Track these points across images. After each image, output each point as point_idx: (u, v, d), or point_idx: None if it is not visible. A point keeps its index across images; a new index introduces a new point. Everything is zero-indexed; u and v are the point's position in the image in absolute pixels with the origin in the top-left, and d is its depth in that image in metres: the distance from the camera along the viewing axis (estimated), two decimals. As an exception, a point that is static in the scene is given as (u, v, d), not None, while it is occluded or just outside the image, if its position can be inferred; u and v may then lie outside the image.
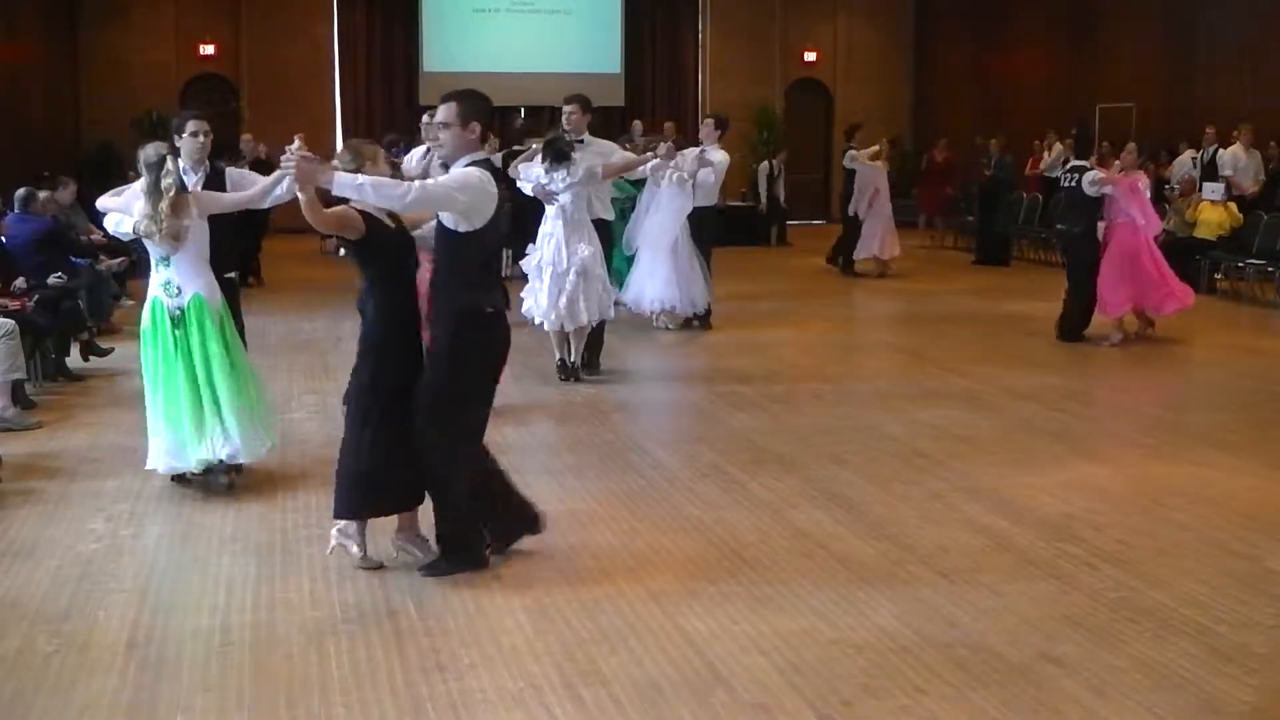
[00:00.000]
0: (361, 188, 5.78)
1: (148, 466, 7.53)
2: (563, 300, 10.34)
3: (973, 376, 11.04)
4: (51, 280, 11.22)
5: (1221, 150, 18.33)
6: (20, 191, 12.17)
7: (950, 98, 26.40)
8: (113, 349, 11.84)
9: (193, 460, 7.38)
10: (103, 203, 7.65)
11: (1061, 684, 4.99)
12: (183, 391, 7.36)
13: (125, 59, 23.23)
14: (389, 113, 25.43)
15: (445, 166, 6.73)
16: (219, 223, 7.62)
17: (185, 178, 7.55)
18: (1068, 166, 12.40)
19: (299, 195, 5.91)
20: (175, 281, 7.33)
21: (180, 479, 7.64)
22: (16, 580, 6.12)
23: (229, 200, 7.69)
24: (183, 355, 7.36)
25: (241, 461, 7.57)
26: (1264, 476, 7.94)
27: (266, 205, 7.76)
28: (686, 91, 27.17)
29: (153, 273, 7.42)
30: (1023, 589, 6.01)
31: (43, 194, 13.18)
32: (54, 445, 8.76)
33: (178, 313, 7.34)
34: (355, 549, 6.27)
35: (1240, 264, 16.02)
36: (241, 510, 7.24)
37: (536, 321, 10.62)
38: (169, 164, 7.18)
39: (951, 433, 9.05)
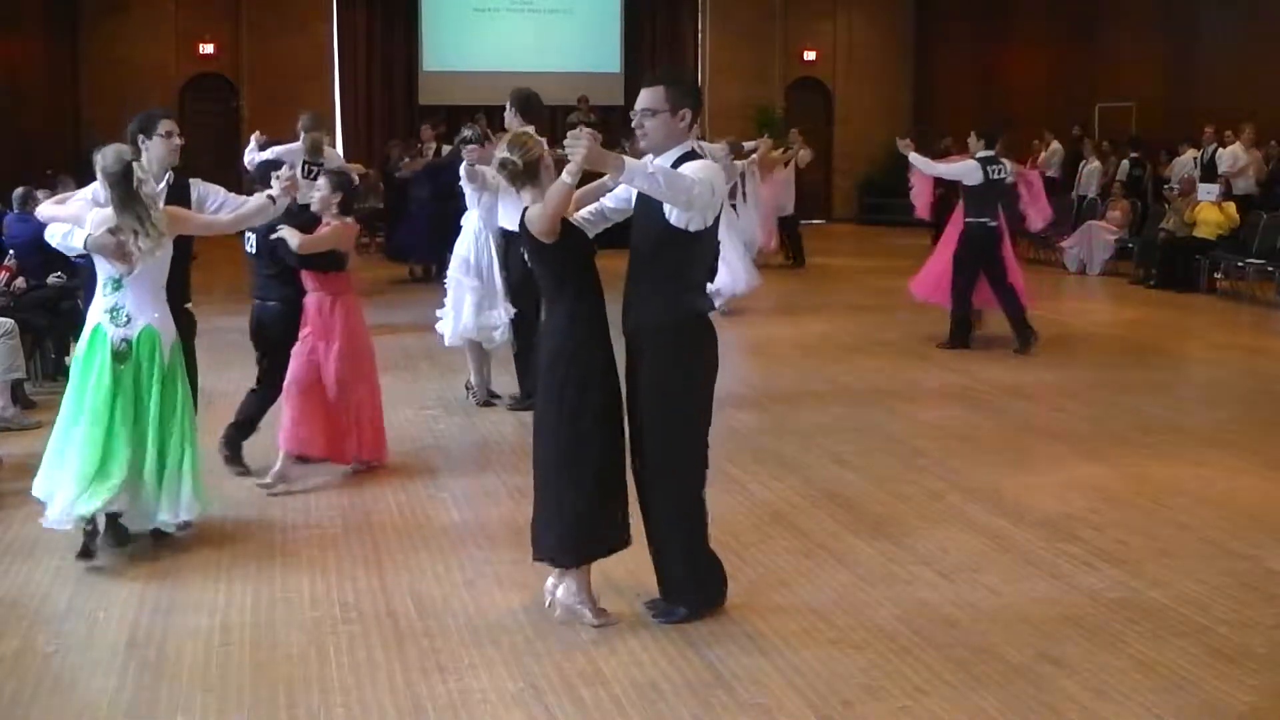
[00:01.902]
0: (654, 176, 5.13)
1: (46, 523, 6.30)
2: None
3: (973, 376, 11.04)
4: (51, 280, 11.21)
5: (1221, 149, 18.35)
6: (18, 191, 12.16)
7: (950, 97, 26.38)
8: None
9: (87, 500, 6.22)
10: (45, 211, 6.69)
11: (1061, 684, 4.99)
12: (114, 436, 6.30)
13: (125, 58, 23.20)
14: (389, 112, 25.48)
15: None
16: (182, 246, 6.74)
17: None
18: (990, 160, 12.51)
19: (565, 180, 5.18)
20: (125, 308, 6.34)
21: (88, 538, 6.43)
22: (16, 580, 6.13)
23: (203, 222, 6.82)
24: (122, 395, 6.33)
25: (179, 520, 6.48)
26: (1265, 476, 7.94)
27: (235, 230, 7.05)
28: (686, 91, 27.13)
29: (98, 295, 6.43)
30: (1023, 589, 6.02)
31: (42, 194, 13.17)
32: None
33: (123, 345, 6.33)
34: (589, 612, 5.55)
35: (1240, 264, 16.02)
36: (242, 510, 7.23)
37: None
38: (139, 170, 6.26)
39: (952, 432, 9.05)
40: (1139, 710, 4.78)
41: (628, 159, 5.14)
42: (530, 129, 9.13)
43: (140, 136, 6.90)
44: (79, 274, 12.23)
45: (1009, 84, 24.99)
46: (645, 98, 5.47)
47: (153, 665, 5.20)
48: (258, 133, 14.39)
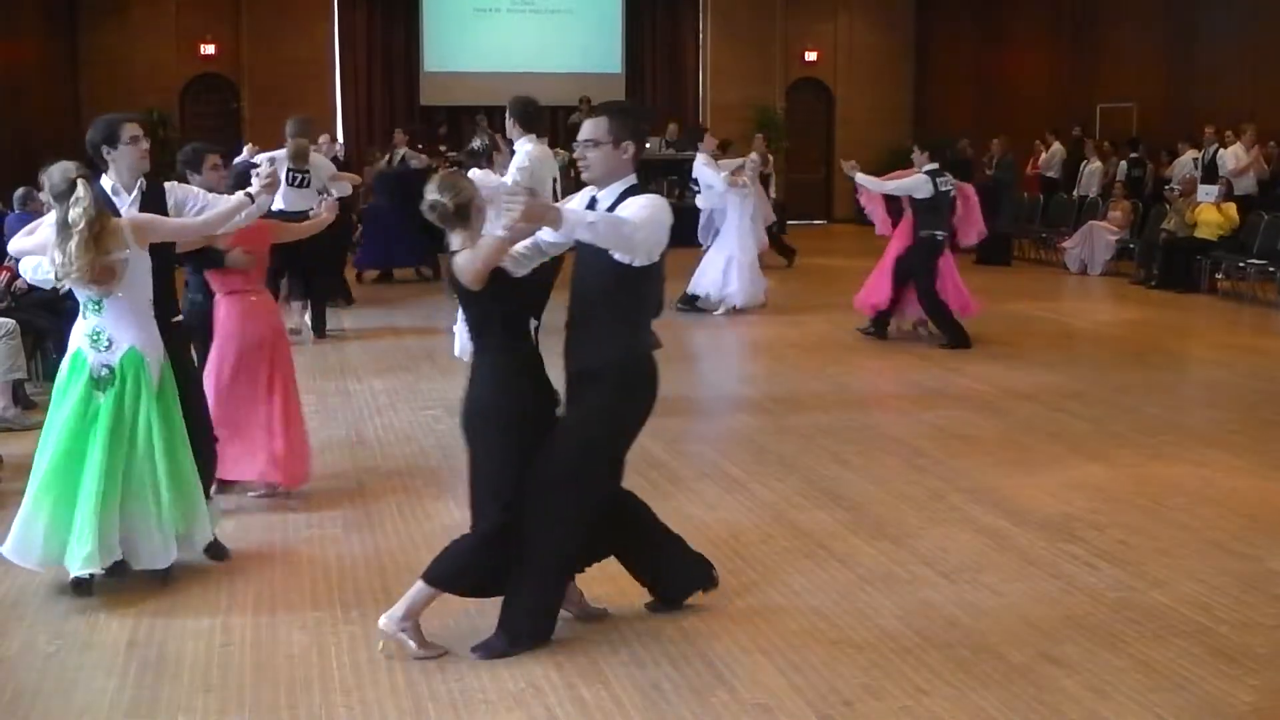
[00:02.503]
0: (594, 226, 4.94)
1: (6, 553, 5.90)
2: None
3: (974, 376, 11.04)
4: (52, 281, 11.19)
5: (1222, 150, 18.35)
6: (19, 191, 12.16)
7: (951, 98, 26.39)
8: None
9: (76, 561, 5.75)
10: (16, 246, 6.12)
11: (1062, 684, 4.99)
12: (88, 474, 5.78)
13: (125, 59, 23.21)
14: (390, 113, 25.44)
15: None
16: (163, 254, 6.23)
17: (116, 199, 6.22)
18: (937, 173, 12.61)
19: (500, 234, 4.98)
20: (106, 331, 5.84)
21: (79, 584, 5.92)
22: (17, 580, 6.11)
23: (175, 226, 6.23)
24: (102, 428, 5.80)
25: (165, 565, 5.99)
26: (1265, 476, 7.94)
27: (220, 231, 6.56)
28: (687, 91, 27.16)
29: (80, 319, 5.93)
30: (1024, 589, 6.02)
31: (43, 194, 13.18)
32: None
33: (105, 372, 5.83)
34: (413, 643, 5.27)
35: (1241, 264, 16.02)
36: (242, 510, 7.23)
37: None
38: (79, 189, 5.64)
39: (952, 433, 9.05)
40: (1140, 710, 4.78)
41: (566, 212, 4.95)
42: (536, 138, 9.26)
43: (104, 147, 6.30)
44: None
45: (1009, 84, 24.99)
46: (588, 128, 5.27)
47: (153, 665, 5.20)
48: (250, 145, 14.51)
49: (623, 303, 5.21)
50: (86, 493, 5.76)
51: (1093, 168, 20.47)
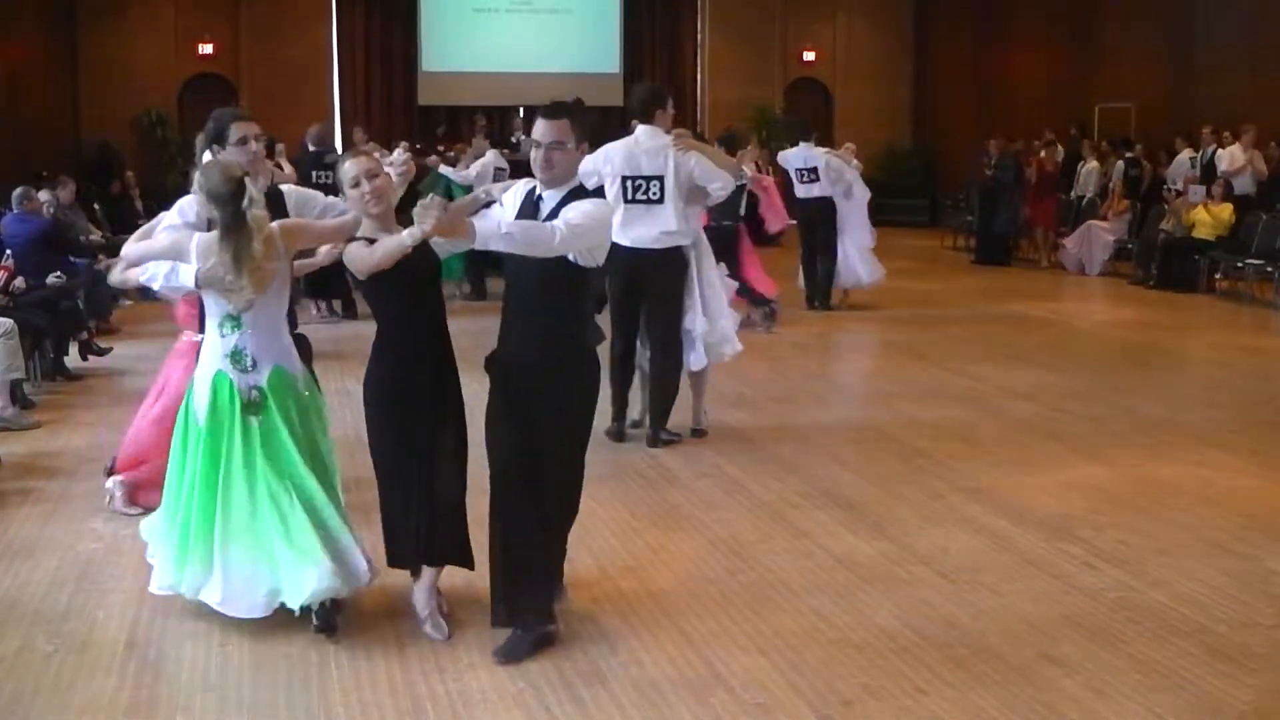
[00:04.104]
0: (509, 237, 4.90)
1: (230, 610, 5.41)
2: None
3: (973, 376, 11.04)
4: (50, 280, 11.21)
5: (1220, 150, 18.35)
6: (17, 190, 12.17)
7: (950, 97, 26.40)
8: (111, 349, 11.87)
9: (294, 601, 5.31)
10: (135, 252, 5.64)
11: (1061, 684, 4.99)
12: (264, 508, 5.35)
13: (124, 59, 23.19)
14: (388, 112, 25.44)
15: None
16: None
17: None
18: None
19: (405, 241, 4.84)
20: (248, 350, 5.40)
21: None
22: (16, 580, 6.12)
23: (319, 231, 5.67)
24: (262, 456, 5.38)
25: (343, 595, 5.51)
26: (1264, 476, 7.94)
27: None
28: (686, 91, 27.12)
29: (213, 336, 5.47)
30: (1023, 589, 6.02)
31: (43, 194, 13.19)
32: (53, 445, 8.76)
33: (255, 395, 5.40)
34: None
35: (1240, 264, 16.02)
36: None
37: None
38: (251, 189, 5.31)
39: (951, 433, 9.05)
40: (1139, 710, 4.78)
41: (479, 224, 4.87)
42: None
43: (214, 146, 5.96)
44: (78, 274, 12.29)
45: (1008, 84, 24.99)
46: (554, 130, 5.17)
47: (152, 665, 5.20)
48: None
49: (569, 298, 5.26)
50: (289, 522, 5.34)
51: (1089, 168, 20.47)
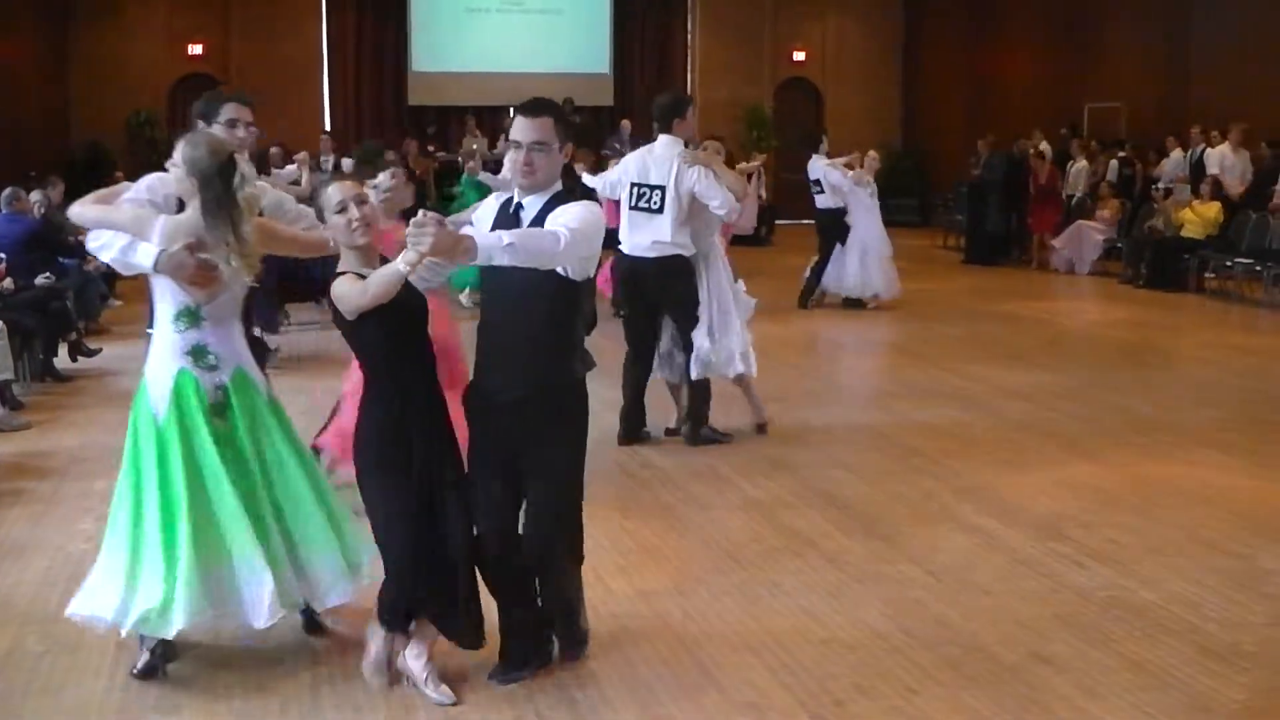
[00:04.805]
0: (513, 248, 4.36)
1: (166, 633, 4.89)
2: None
3: (965, 375, 11.04)
4: (40, 280, 11.20)
5: (1210, 149, 18.38)
6: (6, 191, 12.15)
7: (940, 97, 26.42)
8: (101, 349, 11.83)
9: (265, 614, 4.93)
10: (88, 213, 5.02)
11: (1053, 683, 4.99)
12: (233, 517, 4.91)
13: (115, 58, 23.17)
14: (378, 113, 25.42)
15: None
16: None
17: None
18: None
19: (401, 268, 4.33)
20: (210, 347, 4.99)
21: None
22: (6, 580, 6.11)
23: (288, 239, 5.35)
24: (231, 461, 4.97)
25: (330, 604, 5.25)
26: (1255, 475, 7.95)
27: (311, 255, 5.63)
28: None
29: (167, 331, 5.01)
30: (1014, 588, 6.02)
31: (33, 194, 13.17)
32: (43, 445, 8.74)
33: (220, 395, 5.00)
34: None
35: (1229, 263, 16.05)
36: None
37: None
38: (243, 165, 4.97)
39: (944, 432, 9.06)
40: (1130, 709, 4.78)
41: (480, 238, 4.36)
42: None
43: (199, 123, 5.55)
44: (67, 275, 12.27)
45: (998, 84, 25.03)
46: (536, 129, 4.69)
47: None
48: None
49: (563, 319, 4.80)
50: (245, 537, 4.92)
51: (1079, 167, 20.49)
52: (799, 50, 27.24)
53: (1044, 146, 21.05)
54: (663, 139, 8.56)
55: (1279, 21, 18.57)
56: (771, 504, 7.38)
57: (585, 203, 4.78)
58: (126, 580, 4.90)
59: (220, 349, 5.00)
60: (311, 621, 5.41)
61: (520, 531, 4.89)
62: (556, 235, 4.47)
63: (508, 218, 4.79)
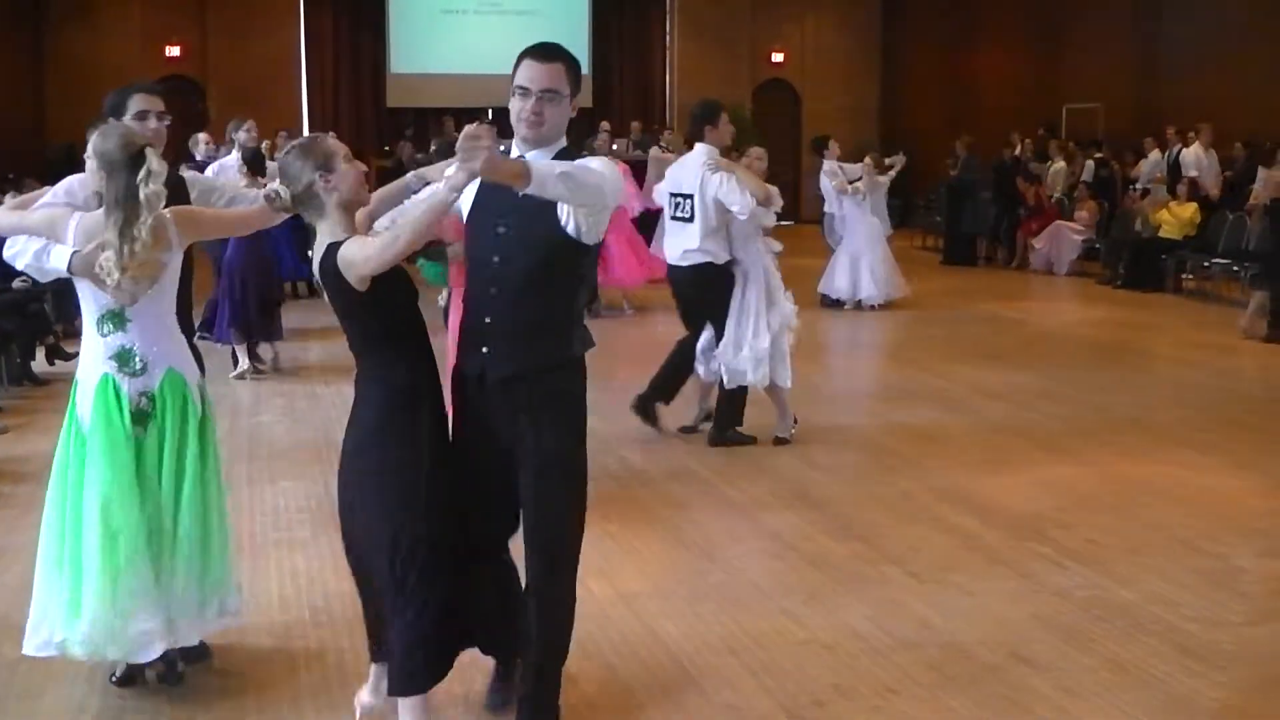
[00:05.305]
0: (569, 177, 3.87)
1: (75, 652, 4.66)
2: None
3: (944, 376, 11.06)
4: (17, 284, 11.13)
5: (1185, 150, 18.46)
6: (-16, 192, 12.08)
7: (918, 99, 26.47)
8: (78, 353, 11.74)
9: (147, 647, 4.65)
10: (5, 223, 4.78)
11: (1032, 683, 5.00)
12: (143, 531, 4.62)
13: (91, 61, 23.00)
14: (357, 115, 25.38)
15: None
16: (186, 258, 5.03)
17: None
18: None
19: (444, 195, 3.84)
20: (136, 350, 4.69)
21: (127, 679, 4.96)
22: (-18, 587, 6.07)
23: (214, 222, 5.12)
24: (147, 470, 4.68)
25: (192, 643, 4.91)
26: (1232, 475, 7.98)
27: (242, 233, 5.50)
28: (654, 93, 27.19)
29: (92, 335, 4.75)
30: (993, 588, 6.03)
31: (8, 198, 13.08)
32: (20, 449, 8.69)
33: (144, 402, 4.69)
34: None
35: (1206, 263, 16.11)
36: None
37: None
38: (151, 161, 4.54)
39: (922, 432, 9.07)
40: (1109, 708, 4.79)
41: (534, 163, 3.86)
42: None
43: (110, 119, 5.16)
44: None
45: (976, 85, 25.08)
46: (548, 75, 4.13)
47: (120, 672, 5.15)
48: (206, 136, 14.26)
49: (568, 288, 4.30)
50: (146, 554, 4.64)
51: (1057, 168, 20.55)
52: (778, 52, 27.27)
53: (1034, 168, 20.96)
54: (697, 148, 8.69)
55: (1253, 22, 18.66)
56: (751, 505, 7.38)
57: (599, 157, 4.36)
58: (69, 604, 4.63)
59: (149, 351, 4.70)
60: (172, 671, 4.95)
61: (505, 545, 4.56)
62: (596, 171, 4.02)
63: None
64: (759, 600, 5.89)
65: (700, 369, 8.81)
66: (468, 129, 3.67)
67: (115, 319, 4.67)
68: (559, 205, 4.05)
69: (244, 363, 11.06)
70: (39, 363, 11.19)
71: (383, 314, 4.20)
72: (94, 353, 4.72)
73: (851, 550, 6.59)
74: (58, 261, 4.58)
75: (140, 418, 4.67)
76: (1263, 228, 14.96)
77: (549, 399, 4.26)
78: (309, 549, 6.62)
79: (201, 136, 15.33)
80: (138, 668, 4.89)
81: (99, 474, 4.63)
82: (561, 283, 4.25)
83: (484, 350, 4.25)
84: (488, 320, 4.25)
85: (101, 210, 4.59)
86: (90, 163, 4.67)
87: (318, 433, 9.09)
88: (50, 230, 4.64)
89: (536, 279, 4.17)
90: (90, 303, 4.69)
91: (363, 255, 4.01)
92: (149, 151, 4.53)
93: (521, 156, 4.00)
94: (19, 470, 8.16)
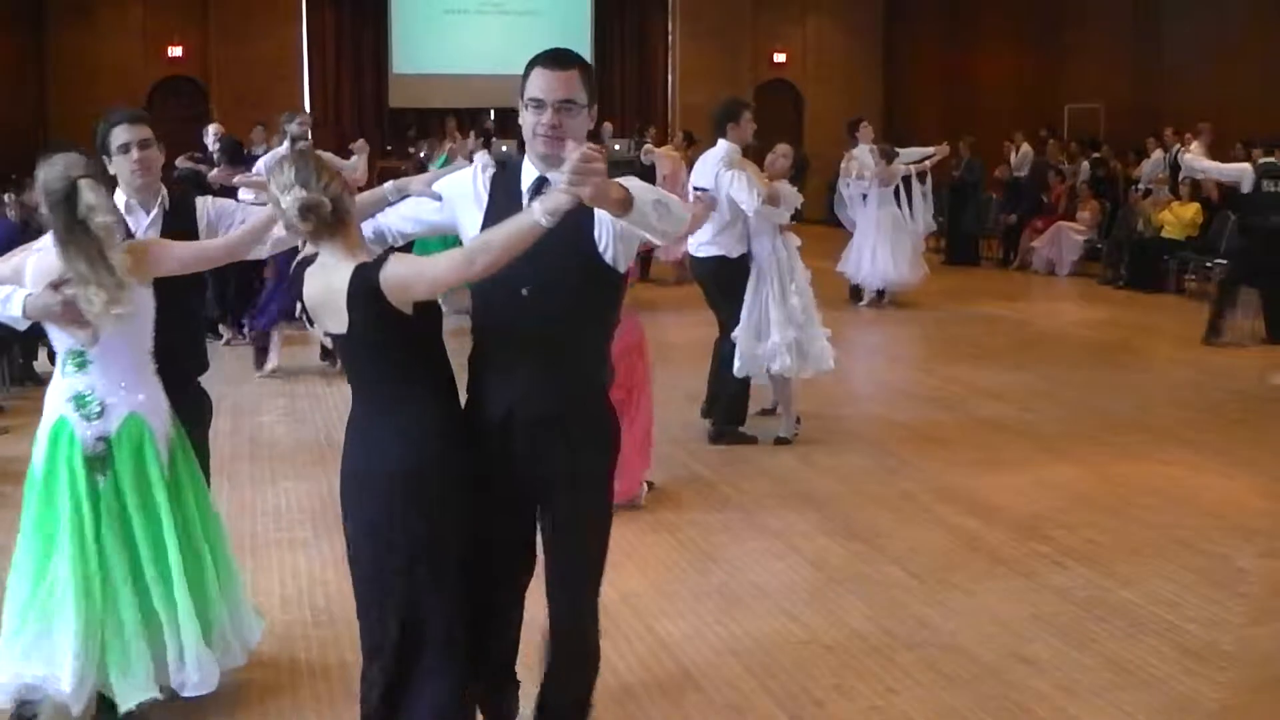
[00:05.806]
0: (663, 204, 3.58)
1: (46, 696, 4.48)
2: None
3: (944, 376, 11.06)
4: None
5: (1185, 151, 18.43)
6: (-14, 195, 12.07)
7: (919, 99, 26.46)
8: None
9: (123, 704, 4.45)
10: None
11: (1032, 683, 5.00)
12: (99, 587, 4.42)
13: (92, 61, 23.07)
14: (359, 115, 25.38)
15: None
16: (177, 287, 4.69)
17: (130, 219, 4.91)
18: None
19: (540, 220, 3.38)
20: (96, 394, 4.46)
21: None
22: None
23: (189, 255, 4.64)
24: (107, 520, 4.46)
25: (197, 694, 4.62)
26: (1232, 475, 7.98)
27: (266, 254, 4.86)
28: (656, 93, 27.19)
29: (57, 372, 4.57)
30: (993, 589, 6.03)
31: (8, 198, 13.09)
32: (21, 449, 8.56)
33: (100, 447, 4.45)
34: None
35: (1208, 264, 16.08)
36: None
37: None
38: (88, 191, 4.25)
39: (922, 433, 9.07)
40: (1109, 708, 4.79)
41: (634, 189, 3.51)
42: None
43: (103, 158, 4.91)
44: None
45: (978, 85, 25.08)
46: (564, 85, 3.75)
47: (121, 671, 5.15)
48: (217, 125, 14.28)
49: (603, 318, 4.00)
50: (100, 601, 4.46)
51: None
52: (779, 52, 27.27)
53: (1025, 148, 21.02)
54: (719, 144, 8.94)
55: (1253, 22, 18.66)
56: (751, 505, 7.38)
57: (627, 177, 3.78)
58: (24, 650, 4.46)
59: (108, 395, 4.46)
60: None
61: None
62: (675, 201, 3.70)
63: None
64: (759, 600, 5.90)
65: (773, 366, 8.75)
66: (584, 150, 3.30)
67: (76, 359, 4.48)
68: (596, 232, 3.77)
69: (274, 360, 11.04)
70: (41, 362, 11.18)
71: (426, 341, 3.81)
72: (57, 391, 4.54)
73: (852, 550, 6.59)
74: (15, 307, 4.37)
75: (97, 463, 4.45)
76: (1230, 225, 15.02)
77: (585, 439, 3.92)
78: (310, 549, 6.63)
79: (212, 128, 15.42)
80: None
81: (46, 522, 4.49)
82: (600, 309, 3.97)
83: (507, 386, 3.87)
84: (509, 352, 3.89)
85: (55, 250, 4.36)
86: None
87: (319, 433, 9.10)
88: (15, 277, 4.44)
89: (577, 305, 3.84)
90: (58, 340, 4.52)
91: (430, 274, 3.60)
92: (82, 184, 4.24)
93: (618, 181, 3.50)
94: (19, 470, 8.08)
